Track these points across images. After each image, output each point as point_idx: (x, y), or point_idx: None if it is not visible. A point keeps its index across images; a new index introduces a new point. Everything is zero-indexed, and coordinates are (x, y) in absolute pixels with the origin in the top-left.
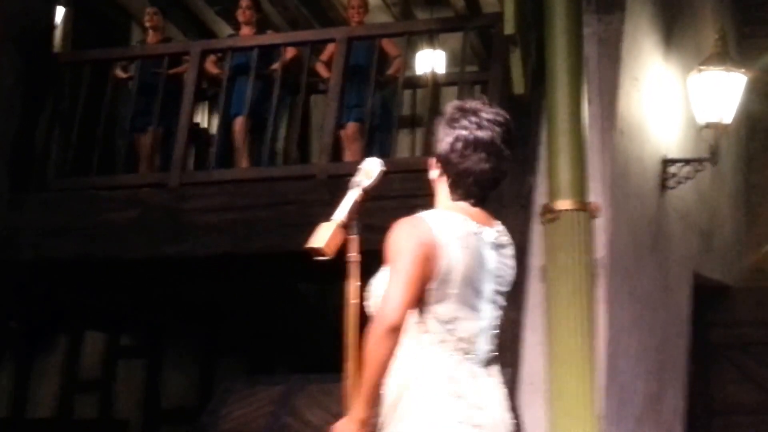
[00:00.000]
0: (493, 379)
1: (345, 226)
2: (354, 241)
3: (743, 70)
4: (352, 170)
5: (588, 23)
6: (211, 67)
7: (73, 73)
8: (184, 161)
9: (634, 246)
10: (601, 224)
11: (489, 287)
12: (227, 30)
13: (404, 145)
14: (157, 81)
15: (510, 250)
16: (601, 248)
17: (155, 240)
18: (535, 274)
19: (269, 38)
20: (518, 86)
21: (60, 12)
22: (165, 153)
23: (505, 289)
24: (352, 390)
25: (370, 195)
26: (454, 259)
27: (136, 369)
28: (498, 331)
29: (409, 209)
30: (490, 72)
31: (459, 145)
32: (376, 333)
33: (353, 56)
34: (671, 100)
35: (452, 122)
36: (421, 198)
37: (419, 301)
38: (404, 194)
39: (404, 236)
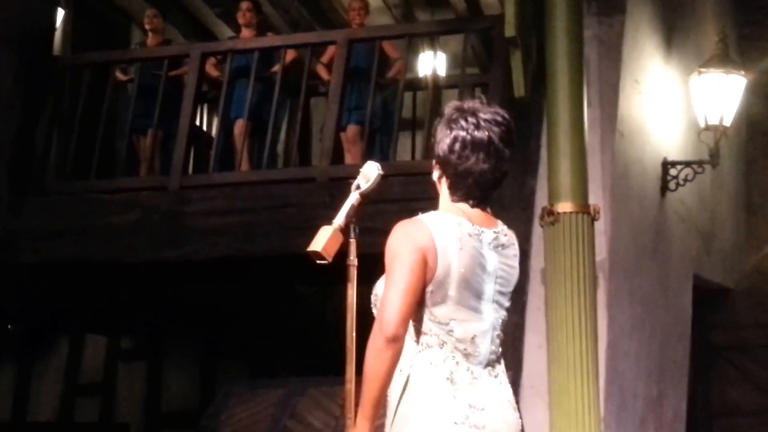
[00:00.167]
0: (496, 379)
1: (344, 230)
2: (353, 244)
3: (744, 72)
4: (352, 173)
5: (588, 25)
6: (211, 69)
7: (73, 75)
8: (184, 164)
9: (634, 248)
10: (601, 227)
11: (490, 288)
12: (227, 32)
13: (405, 147)
14: (157, 83)
15: (512, 250)
16: (601, 250)
17: (155, 243)
18: (536, 276)
19: (270, 41)
20: (519, 88)
21: (60, 14)
22: (165, 156)
23: (507, 289)
24: (352, 394)
25: (368, 198)
26: (451, 261)
27: (137, 372)
28: (500, 331)
29: (410, 212)
30: (491, 74)
31: (457, 146)
32: (375, 345)
33: (354, 58)
34: (672, 102)
35: (450, 123)
36: (422, 201)
37: (418, 304)
38: (405, 197)
39: (401, 240)
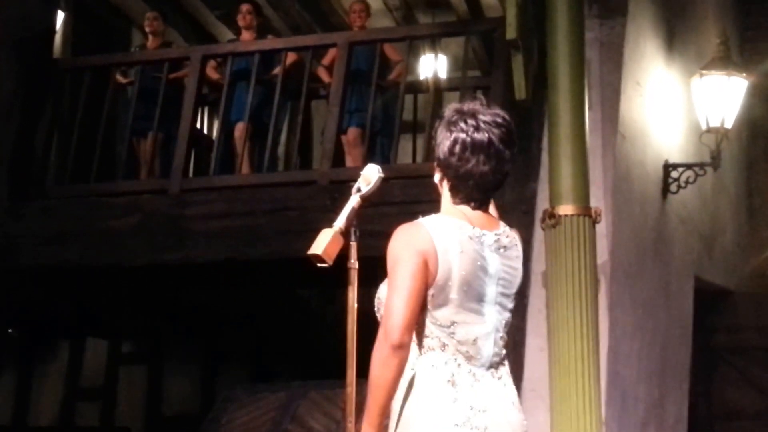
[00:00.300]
0: (500, 381)
1: (344, 233)
2: (354, 247)
3: (745, 74)
4: (353, 176)
5: (590, 28)
6: (211, 72)
7: (73, 78)
8: (185, 167)
9: (635, 251)
10: (602, 229)
11: (492, 290)
12: (227, 34)
13: (406, 150)
14: (157, 86)
15: (515, 252)
16: (602, 253)
17: (156, 246)
18: (537, 279)
19: (270, 43)
20: (520, 91)
21: (60, 17)
22: (165, 158)
23: (510, 291)
24: (353, 397)
25: (369, 201)
26: (452, 264)
27: (138, 376)
28: (503, 333)
29: (411, 215)
30: (492, 77)
31: (457, 148)
32: (382, 353)
33: (354, 61)
34: (673, 104)
35: (450, 125)
36: (423, 204)
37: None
38: (406, 200)
39: (402, 244)
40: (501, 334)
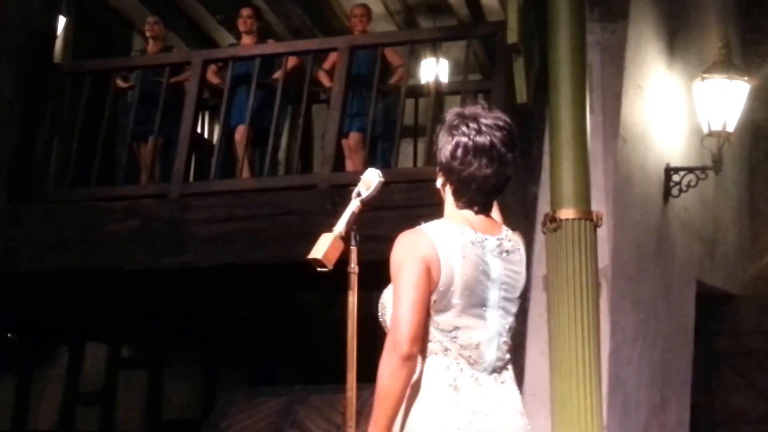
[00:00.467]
0: (503, 385)
1: (344, 237)
2: (354, 251)
3: (747, 78)
4: (354, 180)
5: (591, 31)
6: (212, 76)
7: (74, 82)
8: (185, 172)
9: (637, 255)
10: (604, 233)
11: (495, 295)
12: (228, 39)
13: (407, 154)
14: (158, 90)
15: (518, 256)
16: (604, 257)
17: (156, 251)
18: (538, 283)
19: (271, 48)
20: (521, 95)
21: (61, 21)
22: (165, 163)
23: (514, 295)
24: (354, 402)
25: (369, 206)
26: (454, 269)
27: (137, 380)
28: (507, 338)
29: (412, 219)
30: (494, 81)
31: (459, 152)
32: (390, 363)
33: (356, 65)
34: (675, 108)
35: (452, 129)
36: (424, 208)
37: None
38: (406, 204)
39: (404, 251)
40: (504, 339)
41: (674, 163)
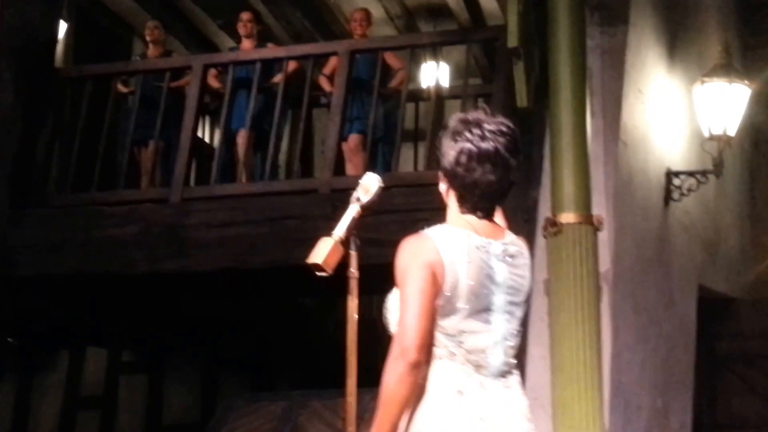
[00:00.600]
0: (510, 390)
1: (344, 242)
2: (353, 256)
3: (747, 81)
4: (354, 184)
5: (591, 36)
6: (211, 80)
7: (75, 87)
8: (185, 176)
9: (638, 259)
10: (605, 237)
11: (500, 299)
12: (229, 43)
13: (407, 158)
14: (158, 94)
15: (522, 260)
16: (605, 261)
17: (156, 255)
18: (539, 287)
19: (272, 52)
20: (522, 99)
21: (62, 26)
22: (166, 167)
23: (519, 299)
24: (354, 407)
25: (369, 210)
26: (459, 274)
27: (138, 385)
28: (513, 342)
29: (412, 224)
30: (494, 85)
31: (463, 158)
32: (397, 370)
33: (355, 70)
34: (675, 112)
35: (455, 135)
36: (424, 212)
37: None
38: (407, 208)
39: (409, 257)
40: (510, 343)
41: (675, 167)
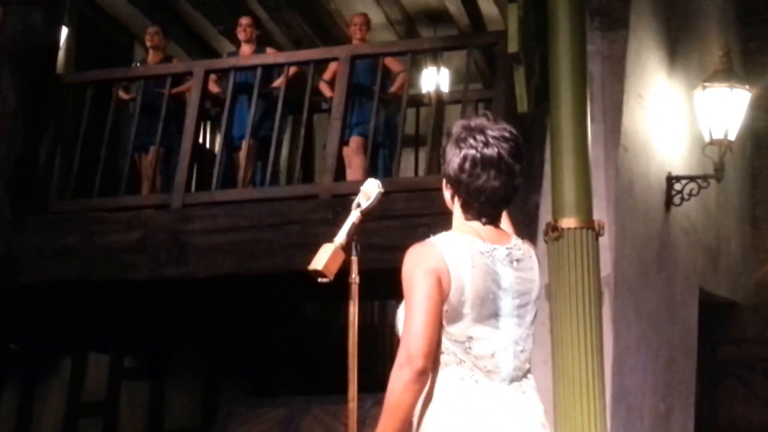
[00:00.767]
0: (524, 395)
1: (345, 248)
2: (354, 262)
3: (748, 86)
4: (355, 190)
5: (592, 41)
6: (211, 86)
7: (76, 93)
8: (186, 182)
9: (639, 264)
10: (606, 242)
11: (507, 304)
12: (229, 48)
13: (408, 163)
14: (159, 101)
15: (529, 263)
16: (606, 266)
17: (158, 261)
18: (540, 292)
19: (272, 57)
20: (522, 104)
21: (63, 32)
22: (167, 173)
23: (528, 302)
24: (355, 413)
25: (370, 215)
26: (464, 280)
27: (140, 391)
28: (524, 347)
29: (413, 228)
30: (494, 90)
31: (467, 164)
32: (403, 378)
33: (355, 76)
34: (676, 116)
35: (459, 142)
36: (425, 217)
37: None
38: (407, 213)
39: (414, 265)
40: (521, 348)
41: (676, 172)
